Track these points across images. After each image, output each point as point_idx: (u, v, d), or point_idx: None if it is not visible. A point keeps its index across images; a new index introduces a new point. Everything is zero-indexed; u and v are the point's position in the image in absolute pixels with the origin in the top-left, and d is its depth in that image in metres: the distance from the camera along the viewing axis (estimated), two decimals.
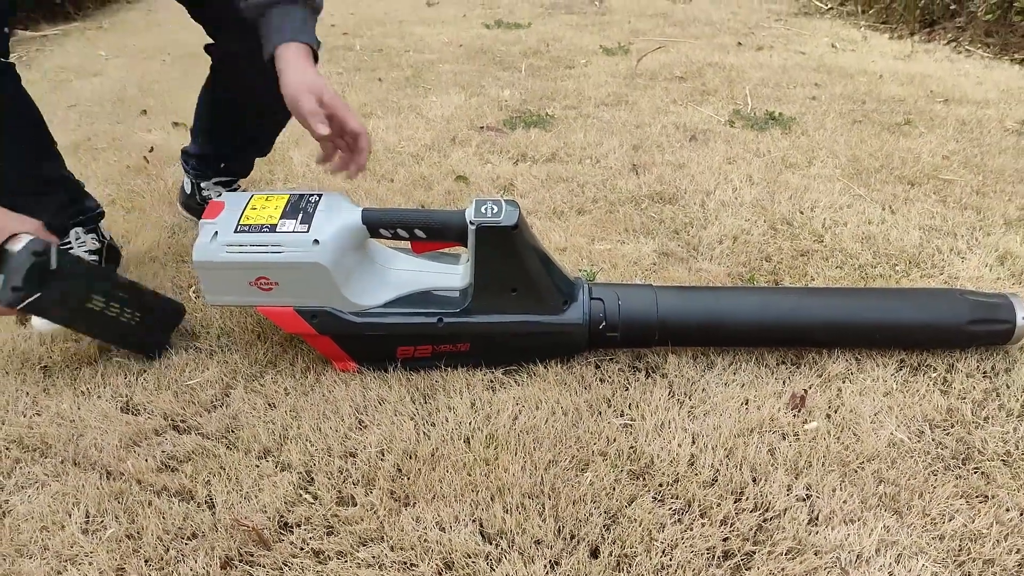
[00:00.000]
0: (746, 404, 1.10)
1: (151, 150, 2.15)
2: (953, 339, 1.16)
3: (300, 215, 1.04)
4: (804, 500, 0.94)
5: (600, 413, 1.08)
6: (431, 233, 1.06)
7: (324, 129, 1.02)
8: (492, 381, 1.14)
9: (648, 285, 1.18)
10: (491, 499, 0.93)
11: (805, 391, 1.11)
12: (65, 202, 1.37)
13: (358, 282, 1.09)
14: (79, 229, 1.39)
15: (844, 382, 1.14)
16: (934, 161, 2.04)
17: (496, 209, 1.01)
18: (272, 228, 1.03)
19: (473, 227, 1.01)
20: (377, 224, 1.06)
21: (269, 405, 1.11)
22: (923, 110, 2.53)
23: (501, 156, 2.11)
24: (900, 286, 1.41)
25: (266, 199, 1.08)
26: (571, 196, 1.83)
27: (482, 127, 2.33)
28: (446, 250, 1.14)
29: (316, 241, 1.02)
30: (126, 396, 1.14)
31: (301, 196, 1.08)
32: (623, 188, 1.88)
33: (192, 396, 1.13)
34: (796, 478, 0.97)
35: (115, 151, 2.17)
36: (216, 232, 1.02)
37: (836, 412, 1.09)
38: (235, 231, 1.03)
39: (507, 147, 2.16)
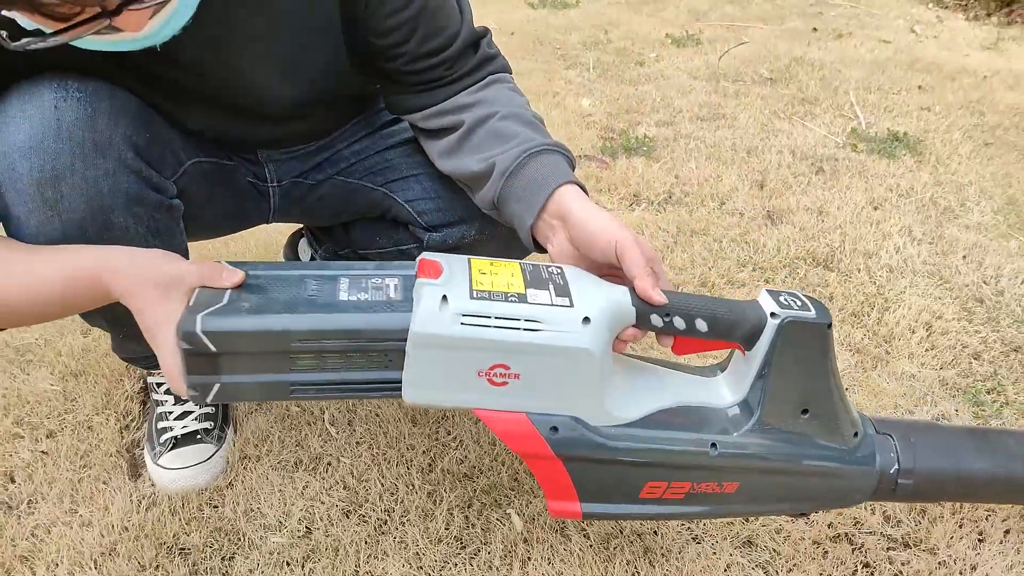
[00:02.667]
0: None
1: None
2: None
3: (551, 286, 0.75)
4: None
5: None
6: (718, 327, 0.77)
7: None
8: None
9: (934, 424, 0.93)
10: None
11: None
12: None
13: (614, 385, 0.79)
14: None
15: None
16: None
17: (799, 303, 0.77)
18: (522, 298, 0.73)
19: (776, 322, 0.75)
20: (650, 309, 0.76)
21: None
22: None
23: (612, 196, 1.86)
24: None
25: (491, 264, 0.78)
26: (712, 258, 1.60)
27: (581, 156, 2.07)
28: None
29: (587, 319, 0.72)
30: None
31: (536, 265, 0.78)
32: (767, 246, 1.64)
33: None
34: None
35: None
36: (445, 296, 0.71)
37: None
38: (472, 297, 0.72)
39: (614, 183, 1.91)
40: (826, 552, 0.97)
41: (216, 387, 0.69)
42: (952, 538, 0.98)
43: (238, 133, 0.94)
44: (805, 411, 0.79)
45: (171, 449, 1.03)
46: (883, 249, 1.62)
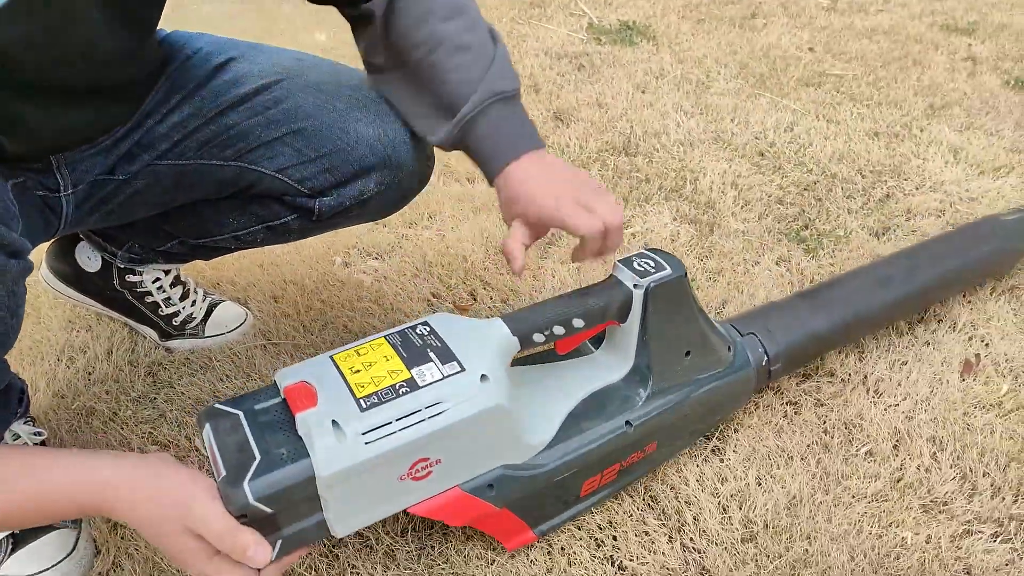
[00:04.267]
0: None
1: None
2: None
3: (431, 353, 0.69)
4: None
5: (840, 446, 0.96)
6: (592, 318, 0.79)
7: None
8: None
9: (777, 305, 1.02)
10: None
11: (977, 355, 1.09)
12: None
13: (524, 416, 0.77)
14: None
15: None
16: (804, 55, 2.11)
17: (653, 264, 0.80)
18: (411, 384, 0.66)
19: (641, 291, 0.78)
20: (530, 331, 0.75)
21: None
22: None
23: None
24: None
25: (356, 353, 0.69)
26: None
27: None
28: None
29: (484, 377, 0.68)
30: None
31: (402, 333, 0.72)
32: (571, 144, 1.66)
33: None
34: None
35: None
36: (336, 422, 0.62)
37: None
38: (363, 409, 0.64)
39: None
40: (756, 403, 1.02)
41: (279, 544, 0.62)
42: (843, 359, 1.09)
43: (36, 127, 0.69)
44: (688, 353, 0.85)
45: (12, 552, 0.76)
46: (667, 128, 1.72)
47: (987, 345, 1.12)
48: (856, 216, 1.42)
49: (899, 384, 1.05)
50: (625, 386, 0.85)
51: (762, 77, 1.98)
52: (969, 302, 1.19)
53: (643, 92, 1.91)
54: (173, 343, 1.10)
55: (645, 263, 0.80)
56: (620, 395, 0.84)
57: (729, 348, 0.90)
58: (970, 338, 1.13)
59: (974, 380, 1.06)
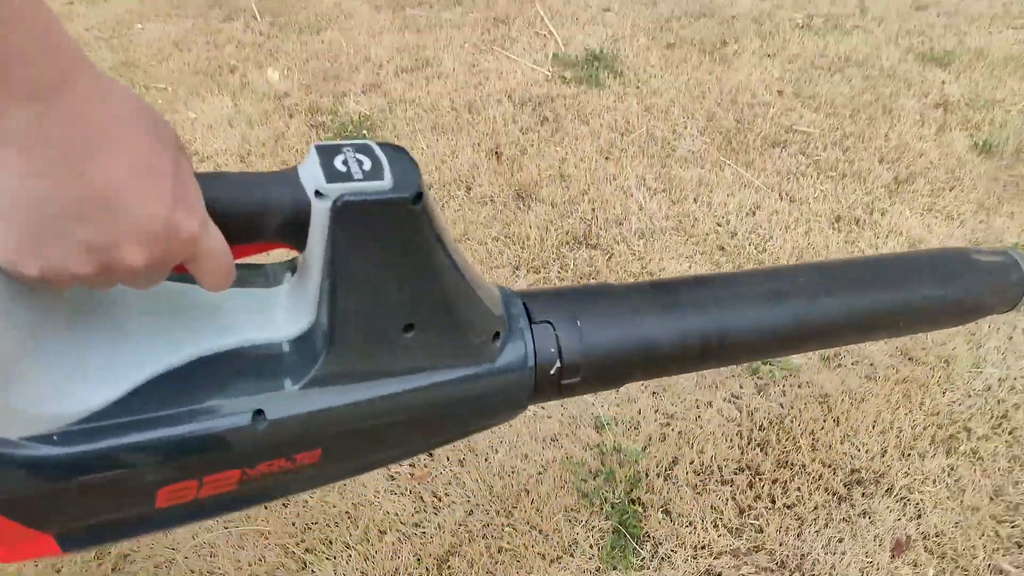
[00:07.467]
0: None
1: None
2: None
3: None
4: None
5: None
6: (243, 226, 0.44)
7: None
8: None
9: (608, 285, 0.70)
10: None
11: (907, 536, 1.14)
12: None
13: (47, 363, 0.42)
14: None
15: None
16: (772, 100, 2.06)
17: (368, 164, 0.45)
18: None
19: (326, 204, 0.44)
20: None
21: None
22: (713, 9, 2.49)
23: None
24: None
25: None
26: (485, 268, 1.55)
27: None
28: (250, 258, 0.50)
29: None
30: None
31: None
32: (531, 238, 1.63)
33: None
34: None
35: None
36: None
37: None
38: None
39: None
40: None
41: None
42: (783, 536, 1.14)
43: None
44: (409, 327, 0.52)
45: None
46: (629, 212, 1.70)
47: (920, 516, 1.17)
48: None
49: (833, 568, 1.10)
50: (289, 353, 0.51)
51: (728, 135, 1.94)
52: (906, 456, 1.24)
53: (607, 158, 1.86)
54: None
55: (356, 159, 0.46)
56: (271, 365, 0.50)
57: (496, 336, 0.58)
58: (905, 505, 1.18)
59: (903, 562, 1.11)
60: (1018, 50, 2.32)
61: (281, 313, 0.52)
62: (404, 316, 0.52)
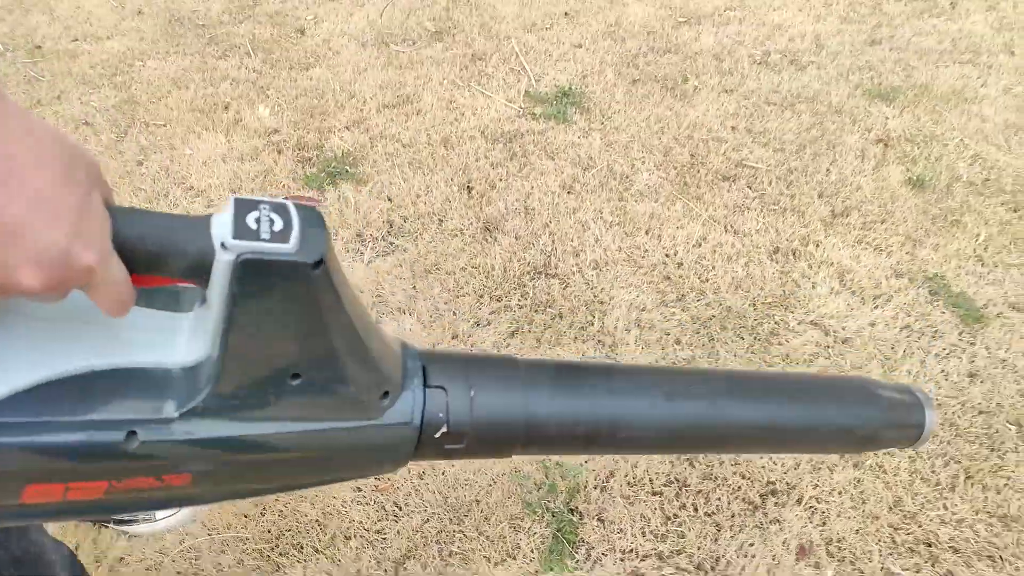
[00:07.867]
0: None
1: None
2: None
3: None
4: None
5: None
6: (150, 258, 0.48)
7: None
8: None
9: (512, 359, 0.71)
10: None
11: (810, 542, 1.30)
12: None
13: None
14: None
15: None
16: (726, 135, 2.22)
17: (279, 224, 0.50)
18: None
19: (229, 257, 0.49)
20: None
21: None
22: (678, 46, 2.65)
23: (337, 243, 1.85)
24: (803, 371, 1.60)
25: None
26: (452, 298, 1.72)
27: (288, 196, 1.98)
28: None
29: None
30: None
31: None
32: (495, 268, 1.79)
33: None
34: None
35: None
36: None
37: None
38: None
39: (333, 226, 1.90)
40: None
41: None
42: (702, 541, 1.30)
43: None
44: (296, 376, 0.57)
45: None
46: (585, 244, 1.86)
47: (824, 523, 1.33)
48: (740, 362, 1.60)
49: (743, 569, 1.26)
50: (178, 379, 0.55)
51: (682, 170, 2.10)
52: (817, 470, 1.39)
53: (569, 192, 2.02)
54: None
55: (269, 217, 0.49)
56: (157, 389, 0.54)
57: (385, 395, 0.64)
58: (812, 514, 1.34)
59: (805, 564, 1.27)
60: (960, 84, 2.48)
61: (182, 339, 0.55)
62: (292, 366, 0.55)
